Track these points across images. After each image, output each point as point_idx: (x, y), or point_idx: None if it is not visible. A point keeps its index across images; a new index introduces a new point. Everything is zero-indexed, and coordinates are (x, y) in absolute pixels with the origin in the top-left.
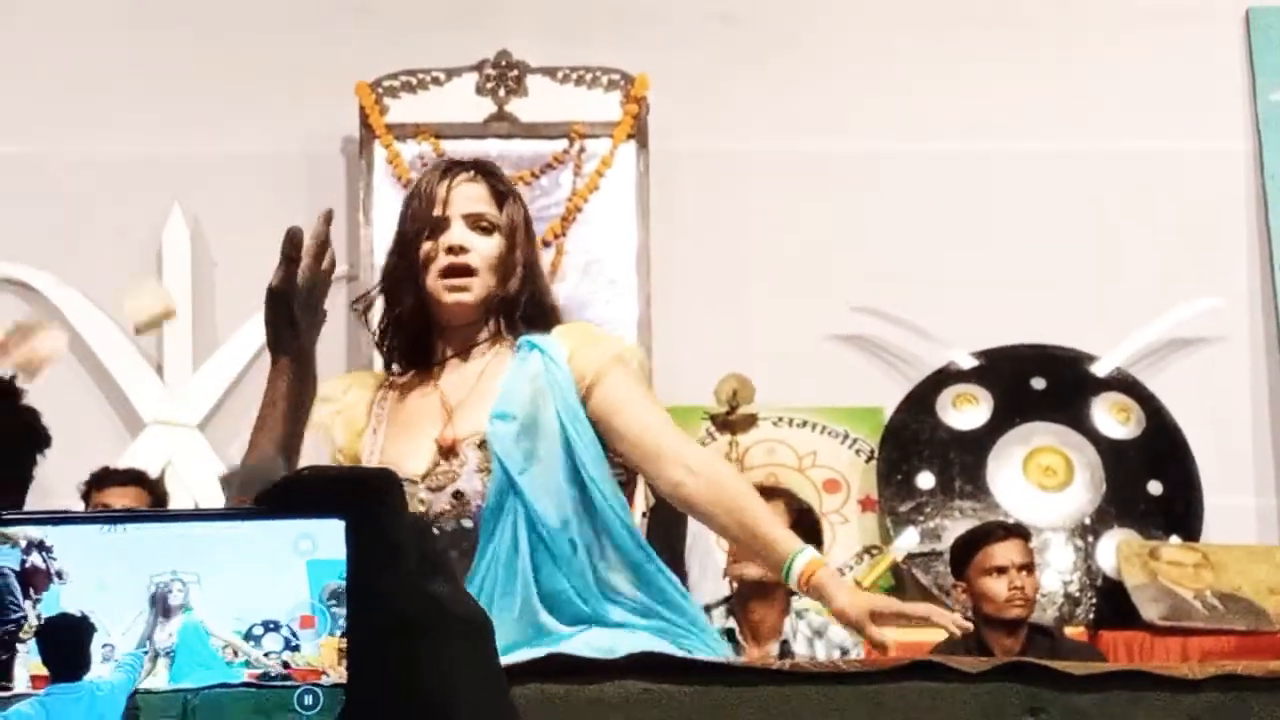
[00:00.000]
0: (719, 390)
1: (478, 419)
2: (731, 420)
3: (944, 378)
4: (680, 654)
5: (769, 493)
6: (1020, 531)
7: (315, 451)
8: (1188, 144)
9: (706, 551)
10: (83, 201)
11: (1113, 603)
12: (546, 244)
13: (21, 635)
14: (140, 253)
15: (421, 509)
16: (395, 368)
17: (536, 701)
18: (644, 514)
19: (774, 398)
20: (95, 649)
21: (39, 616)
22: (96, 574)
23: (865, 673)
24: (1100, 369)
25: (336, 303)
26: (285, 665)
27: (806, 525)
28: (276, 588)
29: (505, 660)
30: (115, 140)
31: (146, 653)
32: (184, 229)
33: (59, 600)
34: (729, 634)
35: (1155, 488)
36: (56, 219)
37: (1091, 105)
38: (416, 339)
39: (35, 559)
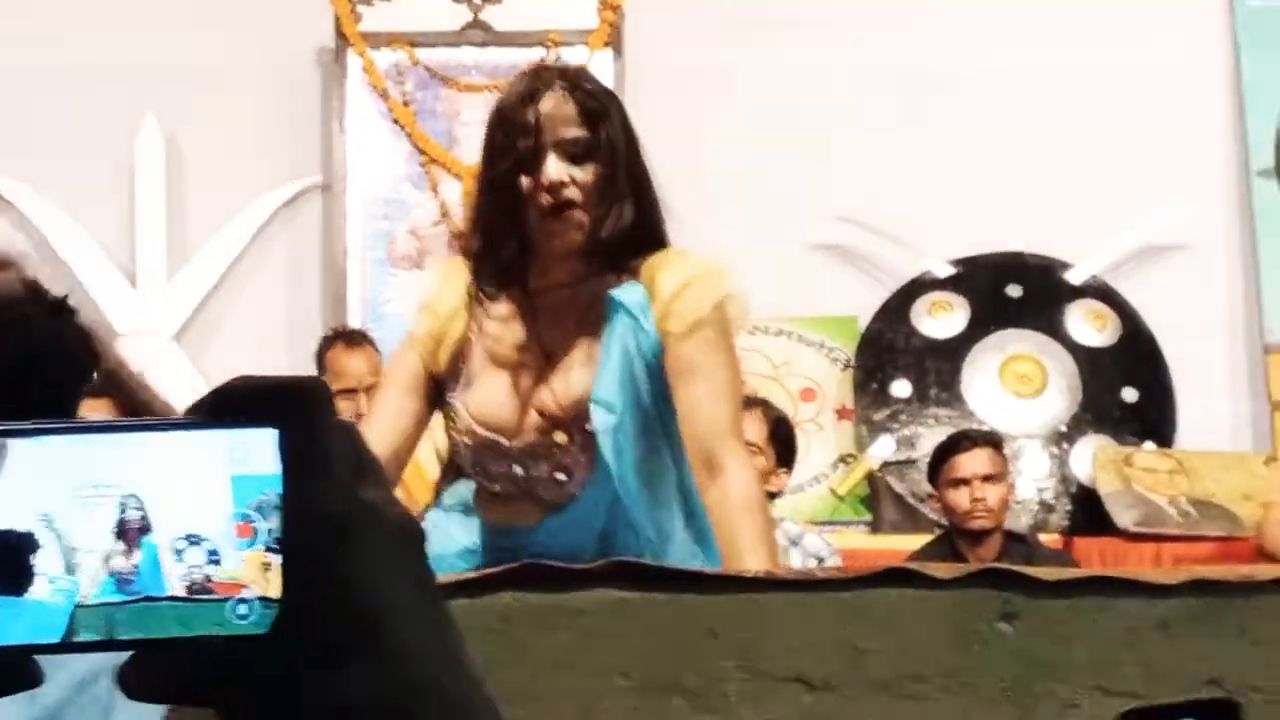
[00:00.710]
0: None
1: (580, 387)
2: None
3: (919, 286)
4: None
5: (744, 402)
6: (990, 440)
7: (412, 366)
8: (1165, 51)
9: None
10: (55, 112)
11: (1087, 510)
12: None
13: None
14: (113, 162)
15: (519, 472)
16: (489, 289)
17: (511, 609)
18: None
19: (750, 307)
20: (45, 563)
21: None
22: (32, 485)
23: (839, 580)
24: (1075, 276)
25: (311, 213)
26: (208, 579)
27: (782, 435)
28: (201, 501)
29: (479, 570)
30: (88, 50)
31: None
32: (158, 138)
33: None
34: None
35: (1130, 395)
36: (29, 129)
37: (1069, 13)
38: (513, 266)
39: None
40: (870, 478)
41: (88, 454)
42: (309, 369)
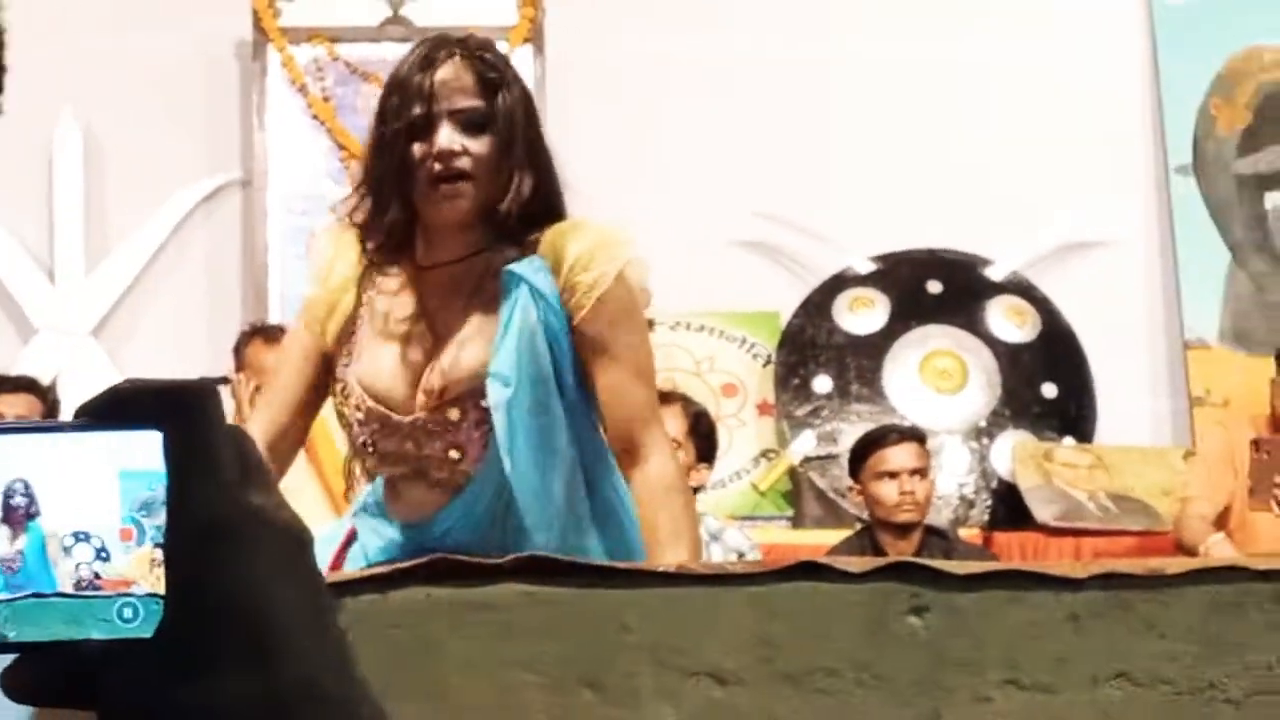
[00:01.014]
0: None
1: (471, 362)
2: None
3: (841, 282)
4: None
5: (665, 397)
6: (915, 435)
7: (302, 339)
8: (1084, 47)
9: None
10: None
11: (1007, 504)
12: None
13: None
14: (32, 155)
15: (410, 448)
16: (382, 264)
17: (420, 604)
18: None
19: (672, 302)
20: None
21: None
22: None
23: (751, 574)
24: (996, 273)
25: (230, 207)
26: (96, 575)
27: (702, 429)
28: (88, 499)
29: (389, 564)
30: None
31: None
32: (76, 131)
33: None
34: None
35: (1050, 390)
36: None
37: (988, 9)
38: (403, 239)
39: None
40: (792, 473)
41: None
42: (228, 364)
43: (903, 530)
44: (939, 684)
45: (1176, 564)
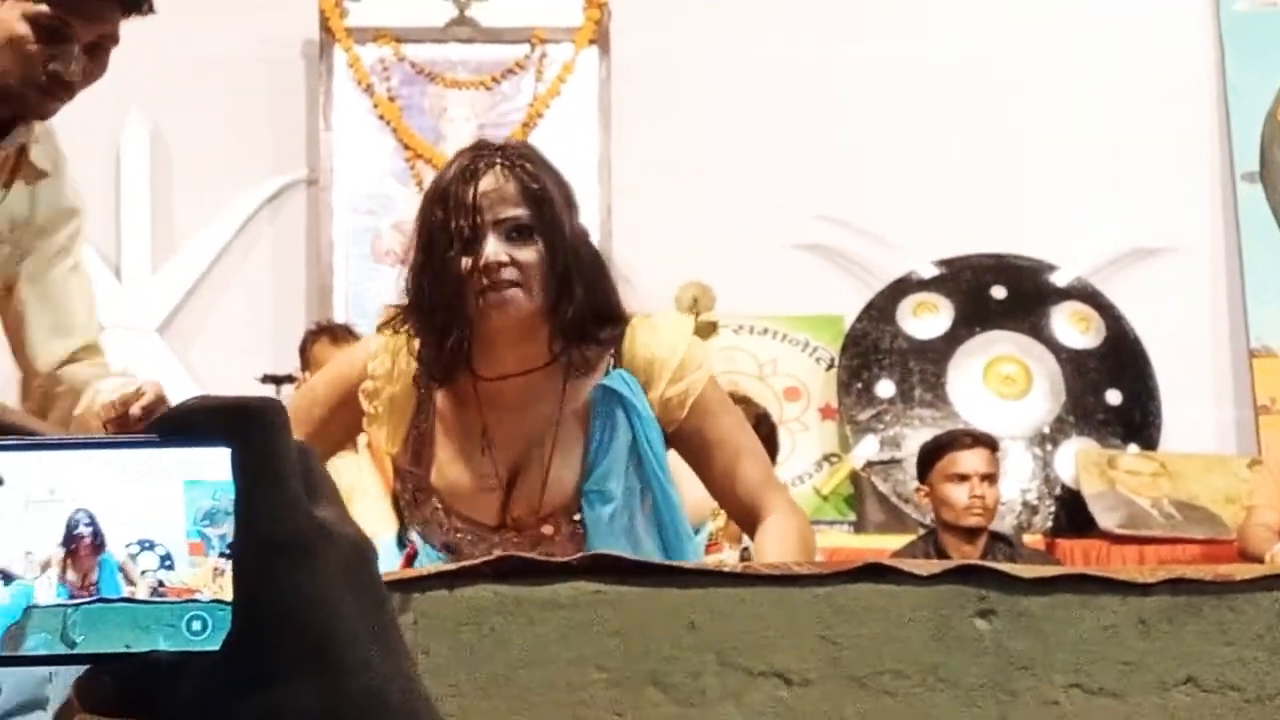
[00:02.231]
0: (679, 297)
1: (566, 484)
2: None
3: (905, 286)
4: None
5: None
6: (987, 441)
7: (352, 400)
8: (1152, 54)
9: None
10: None
11: (1070, 511)
12: None
13: None
14: (100, 155)
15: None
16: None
17: (488, 601)
18: None
19: (735, 305)
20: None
21: None
22: None
23: (818, 575)
24: (1060, 278)
25: (295, 207)
26: (160, 584)
27: (763, 432)
28: (154, 508)
29: (457, 562)
30: None
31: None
32: (143, 131)
33: None
34: None
35: (1114, 397)
36: None
37: (1058, 16)
38: (459, 353)
39: None
40: (854, 477)
41: (42, 468)
42: (293, 363)
43: (969, 535)
44: (1005, 687)
45: (1245, 570)
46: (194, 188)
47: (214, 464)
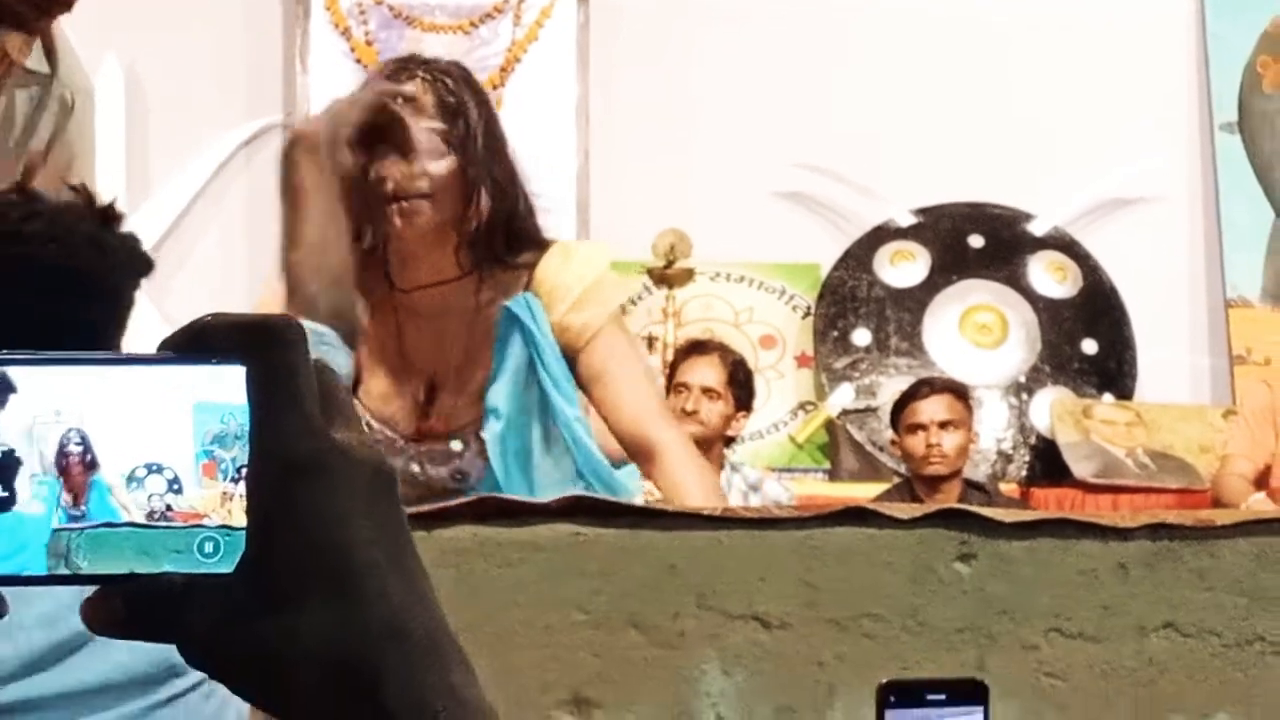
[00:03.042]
0: (656, 244)
1: (473, 397)
2: (669, 274)
3: (882, 234)
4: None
5: (703, 346)
6: (949, 387)
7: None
8: (1130, 3)
9: None
10: None
11: (1046, 460)
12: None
13: None
14: None
15: (416, 470)
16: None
17: (468, 543)
18: None
19: (712, 252)
20: (23, 481)
21: None
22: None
23: (797, 518)
24: (1038, 228)
25: (272, 149)
26: (168, 508)
27: (740, 378)
28: (162, 430)
29: (438, 504)
30: None
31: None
32: (118, 73)
33: None
34: None
35: (1090, 346)
36: None
37: None
38: (374, 256)
39: None
40: (830, 425)
41: (50, 384)
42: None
43: (937, 483)
44: (985, 631)
45: (1225, 515)
46: (169, 131)
47: (228, 382)
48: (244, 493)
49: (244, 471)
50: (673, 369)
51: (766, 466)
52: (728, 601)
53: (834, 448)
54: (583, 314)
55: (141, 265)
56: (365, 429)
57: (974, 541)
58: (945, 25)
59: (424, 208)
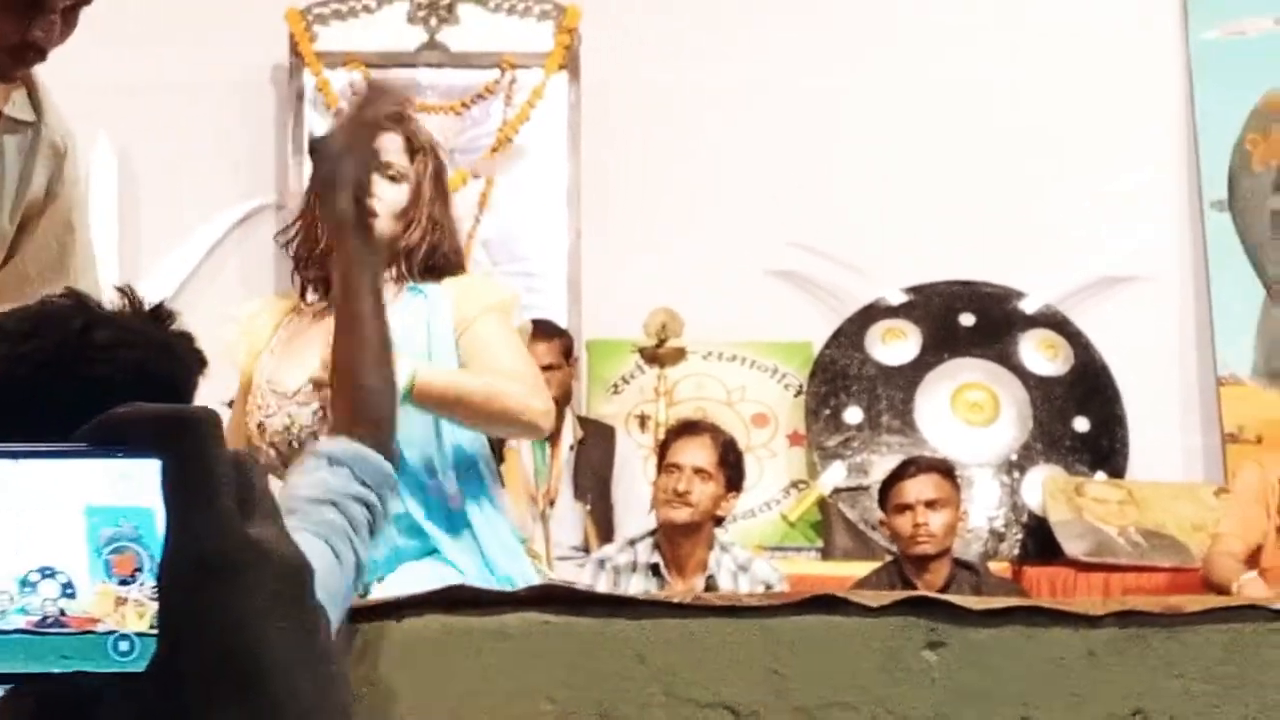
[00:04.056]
0: (648, 323)
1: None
2: (660, 353)
3: (873, 313)
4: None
5: (695, 426)
6: (936, 466)
7: (218, 373)
8: (1120, 81)
9: (631, 484)
10: None
11: (1037, 538)
12: (476, 176)
13: None
14: None
15: (288, 421)
16: (310, 296)
17: (437, 633)
18: (571, 446)
19: (703, 332)
20: None
21: None
22: None
23: (766, 606)
24: (1029, 305)
25: (264, 232)
26: (62, 613)
27: (731, 459)
28: (55, 533)
29: (407, 592)
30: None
31: None
32: (110, 157)
33: None
34: (654, 568)
35: (1081, 424)
36: None
37: (1024, 41)
38: (328, 273)
39: None
40: (822, 504)
41: None
42: None
43: (925, 562)
44: (954, 719)
45: (1195, 602)
46: (162, 213)
47: (127, 483)
48: (137, 598)
49: (138, 576)
50: (663, 449)
51: (759, 545)
52: (697, 691)
53: (826, 526)
54: (472, 299)
55: (202, 362)
56: (282, 523)
57: (943, 629)
58: (934, 104)
59: (374, 226)
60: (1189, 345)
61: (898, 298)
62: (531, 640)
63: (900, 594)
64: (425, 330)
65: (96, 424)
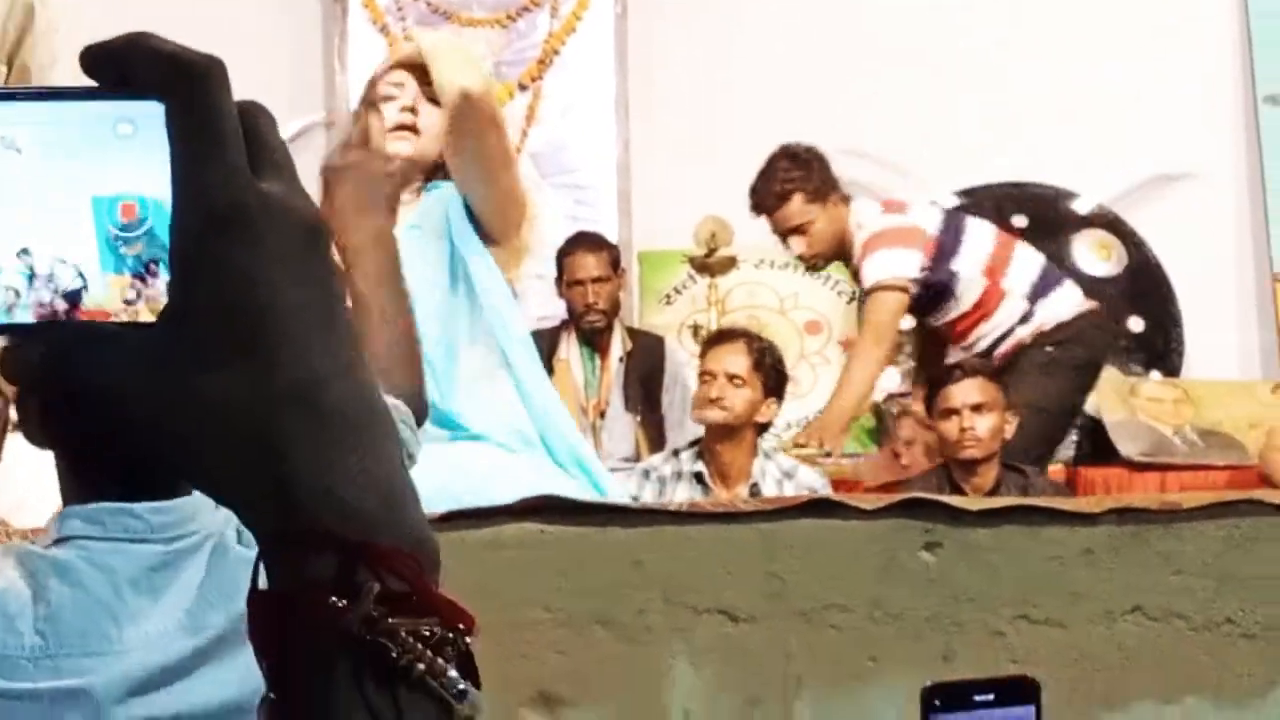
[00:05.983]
0: (697, 232)
1: None
2: (710, 262)
3: None
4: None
5: (729, 334)
6: (980, 369)
7: None
8: None
9: (684, 393)
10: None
11: (1093, 440)
12: (524, 87)
13: None
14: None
15: None
16: None
17: None
18: (621, 358)
19: (754, 240)
20: None
21: None
22: None
23: (762, 511)
24: (1081, 206)
25: (313, 149)
26: (74, 305)
27: (768, 364)
28: (63, 221)
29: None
30: None
31: None
32: None
33: None
34: (698, 477)
35: (1136, 324)
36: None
37: None
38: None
39: None
40: (875, 410)
41: None
42: None
43: (973, 466)
44: (951, 619)
45: (1191, 498)
46: None
47: (146, 123)
48: (149, 291)
49: (151, 266)
50: (701, 358)
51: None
52: (694, 596)
53: (881, 431)
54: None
55: None
56: (298, 179)
57: (940, 530)
58: (986, 6)
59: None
60: (1244, 242)
61: (950, 201)
62: (527, 550)
63: (896, 496)
64: (443, 216)
65: (98, 49)
